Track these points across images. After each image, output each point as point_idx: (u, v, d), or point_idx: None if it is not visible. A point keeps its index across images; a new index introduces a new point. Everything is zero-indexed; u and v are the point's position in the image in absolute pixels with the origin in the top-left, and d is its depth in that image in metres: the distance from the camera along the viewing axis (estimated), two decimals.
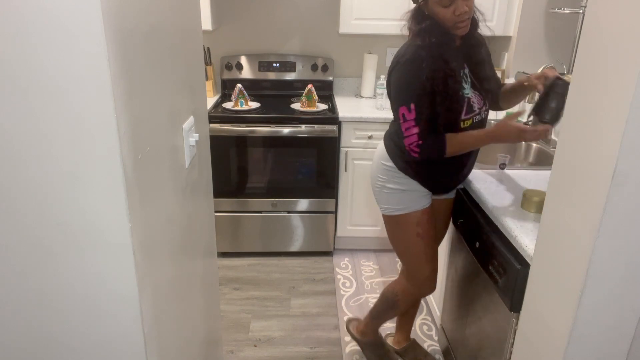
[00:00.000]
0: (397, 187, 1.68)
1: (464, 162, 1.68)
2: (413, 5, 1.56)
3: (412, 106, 1.51)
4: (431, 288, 1.82)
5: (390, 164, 1.67)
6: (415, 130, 1.52)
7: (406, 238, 1.74)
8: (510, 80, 2.87)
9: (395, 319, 2.17)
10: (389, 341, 2.20)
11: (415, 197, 1.68)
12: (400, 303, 1.89)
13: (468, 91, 1.56)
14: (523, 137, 1.48)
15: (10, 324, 0.89)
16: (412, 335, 2.17)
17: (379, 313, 1.99)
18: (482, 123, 1.64)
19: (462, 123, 1.55)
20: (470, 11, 1.47)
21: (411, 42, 1.55)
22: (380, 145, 1.75)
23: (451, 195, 1.83)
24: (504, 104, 1.75)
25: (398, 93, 1.55)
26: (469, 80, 1.57)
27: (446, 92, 1.49)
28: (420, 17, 1.52)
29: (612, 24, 0.86)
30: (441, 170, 1.67)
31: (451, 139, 1.54)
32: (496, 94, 1.72)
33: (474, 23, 1.55)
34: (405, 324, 2.12)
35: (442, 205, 1.83)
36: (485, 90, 1.63)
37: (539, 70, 2.07)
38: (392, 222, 1.75)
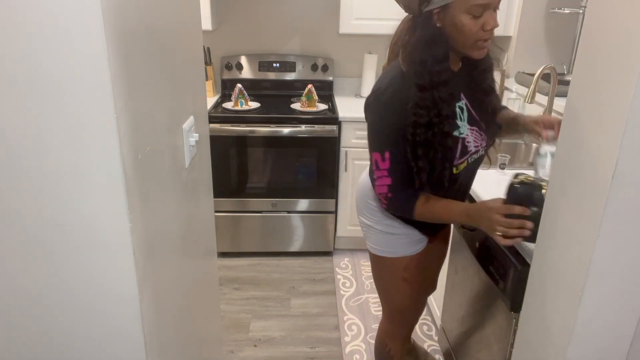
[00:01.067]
0: (387, 230, 1.46)
1: (464, 197, 1.51)
2: (406, 15, 1.29)
3: (387, 155, 1.27)
4: (413, 327, 1.70)
5: (375, 203, 1.46)
6: (387, 181, 1.29)
7: (392, 281, 1.55)
8: (510, 80, 2.87)
9: None
10: None
11: (407, 242, 1.46)
12: (392, 353, 1.68)
13: (463, 130, 1.31)
14: (493, 234, 1.21)
15: (9, 324, 0.88)
16: (412, 335, 2.17)
17: None
18: (479, 161, 1.42)
19: (454, 169, 1.31)
20: (493, 31, 1.19)
21: (394, 69, 1.25)
22: (365, 179, 1.49)
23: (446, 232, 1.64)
24: (506, 134, 1.52)
25: (373, 136, 1.31)
26: (466, 114, 1.31)
27: (433, 140, 1.23)
28: (423, 32, 1.20)
29: (612, 24, 0.86)
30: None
31: (423, 205, 1.31)
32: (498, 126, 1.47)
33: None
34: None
35: (438, 247, 1.59)
36: (486, 123, 1.37)
37: (538, 71, 2.07)
38: (377, 261, 1.57)
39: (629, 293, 0.97)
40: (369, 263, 2.89)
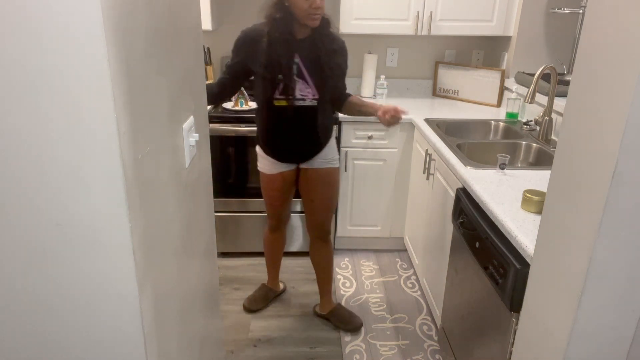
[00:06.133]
0: (259, 152, 2.14)
1: (297, 137, 2.04)
2: None
3: (229, 60, 2.02)
4: (272, 225, 2.35)
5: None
6: (221, 73, 2.07)
7: (263, 194, 2.25)
8: (510, 80, 2.87)
9: (318, 284, 2.43)
10: (317, 309, 2.45)
11: (263, 164, 2.14)
12: (264, 236, 2.44)
13: (288, 79, 1.90)
14: None
15: (9, 324, 0.89)
16: (411, 335, 2.18)
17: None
18: (306, 110, 1.98)
19: (274, 101, 1.94)
20: (323, 8, 1.80)
21: (261, 25, 1.88)
22: None
23: (317, 165, 2.12)
24: (346, 111, 2.13)
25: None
26: (295, 68, 1.91)
27: (261, 74, 1.91)
28: (279, 7, 1.82)
29: (612, 24, 0.86)
30: (275, 141, 2.07)
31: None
32: (339, 94, 2.08)
33: (325, 23, 1.88)
34: (324, 287, 2.39)
35: (312, 175, 2.14)
36: (314, 82, 1.94)
37: (538, 71, 2.08)
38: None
39: (629, 293, 0.97)
40: (369, 263, 2.90)
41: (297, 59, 1.91)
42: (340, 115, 2.67)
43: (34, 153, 0.76)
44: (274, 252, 2.47)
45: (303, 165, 2.14)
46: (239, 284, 2.69)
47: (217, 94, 2.06)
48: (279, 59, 1.87)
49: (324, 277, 2.37)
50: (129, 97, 0.78)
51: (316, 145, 2.09)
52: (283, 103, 1.95)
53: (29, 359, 0.92)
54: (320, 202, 2.20)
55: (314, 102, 1.98)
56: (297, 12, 1.79)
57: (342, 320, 2.35)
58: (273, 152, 2.09)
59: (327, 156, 2.13)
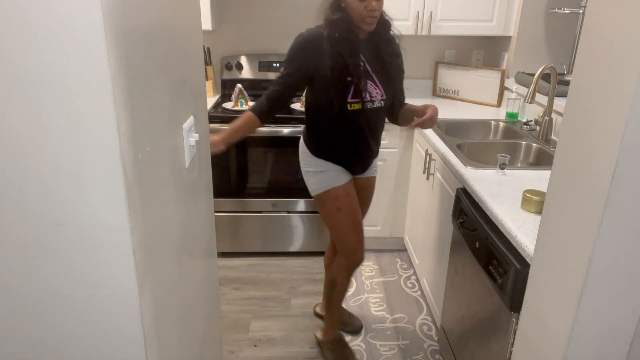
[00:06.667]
0: (318, 169, 1.91)
1: (367, 142, 1.90)
2: None
3: (281, 69, 1.84)
4: (359, 257, 2.01)
5: (307, 150, 1.93)
6: (272, 86, 1.85)
7: (330, 213, 1.94)
8: (510, 81, 2.87)
9: (325, 286, 2.31)
10: (317, 309, 2.43)
11: (333, 176, 1.90)
12: (337, 278, 2.05)
13: (358, 80, 1.76)
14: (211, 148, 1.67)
15: (9, 324, 0.88)
16: (411, 335, 2.18)
17: (328, 302, 2.15)
18: (379, 112, 1.87)
19: (349, 105, 1.78)
20: (379, 10, 1.70)
21: (318, 28, 1.76)
22: (305, 135, 1.99)
23: (369, 174, 2.03)
24: (401, 119, 2.00)
25: (287, 54, 1.82)
26: (364, 70, 1.79)
27: (330, 78, 1.74)
28: (335, 8, 1.72)
29: (612, 24, 0.86)
30: (346, 148, 1.89)
31: (248, 113, 1.87)
32: (398, 104, 1.97)
33: (384, 23, 1.79)
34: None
35: (363, 184, 2.03)
36: (381, 83, 1.84)
37: (538, 71, 2.08)
38: (318, 200, 1.95)
39: (629, 293, 0.97)
40: (369, 263, 2.90)
41: (362, 61, 1.79)
42: None
43: (34, 153, 0.76)
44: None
45: (357, 175, 2.00)
46: (239, 284, 2.69)
47: (270, 110, 1.87)
48: (345, 59, 1.73)
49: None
50: (129, 97, 0.78)
51: (377, 150, 1.99)
52: (357, 106, 1.80)
53: (29, 358, 0.92)
54: (362, 214, 2.07)
55: (382, 103, 1.86)
56: (353, 14, 1.70)
57: (342, 321, 2.35)
58: (343, 159, 1.91)
59: (376, 163, 2.06)
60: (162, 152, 0.97)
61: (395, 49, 1.87)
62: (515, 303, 1.33)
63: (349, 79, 1.75)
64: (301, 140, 1.99)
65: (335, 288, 2.08)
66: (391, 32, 1.84)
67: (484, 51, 3.21)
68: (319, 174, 1.91)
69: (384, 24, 1.79)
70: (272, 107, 1.86)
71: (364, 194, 2.05)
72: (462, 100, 3.13)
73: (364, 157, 1.95)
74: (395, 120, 2.03)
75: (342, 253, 2.01)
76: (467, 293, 1.77)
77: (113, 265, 0.84)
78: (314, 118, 1.91)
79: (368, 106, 1.81)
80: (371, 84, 1.81)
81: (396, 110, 1.98)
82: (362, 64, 1.78)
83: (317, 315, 2.43)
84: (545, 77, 2.34)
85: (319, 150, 1.90)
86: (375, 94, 1.82)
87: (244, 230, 2.87)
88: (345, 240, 1.97)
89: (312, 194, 1.96)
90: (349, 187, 1.93)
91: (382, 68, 1.83)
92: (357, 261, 2.02)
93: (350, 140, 1.87)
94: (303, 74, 1.79)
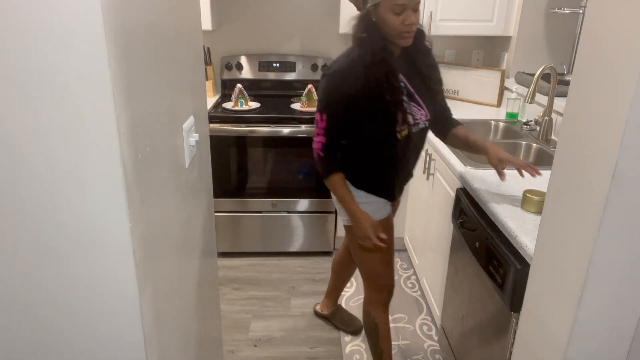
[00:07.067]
0: (356, 200, 1.66)
1: (410, 167, 1.76)
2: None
3: (325, 117, 1.55)
4: (391, 292, 1.85)
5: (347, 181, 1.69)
6: (321, 139, 1.58)
7: (365, 247, 1.72)
8: (510, 81, 2.87)
9: (329, 286, 2.36)
10: (317, 308, 2.42)
11: (373, 209, 1.68)
12: (376, 317, 1.85)
13: (402, 104, 1.56)
14: (357, 239, 1.67)
15: (9, 323, 0.88)
16: (411, 335, 2.18)
17: (374, 346, 1.92)
18: (423, 133, 1.69)
19: (397, 134, 1.58)
20: (417, 24, 1.49)
21: (351, 52, 1.54)
22: None
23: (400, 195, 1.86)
24: (450, 142, 1.83)
25: (320, 98, 1.58)
26: (405, 91, 1.57)
27: (375, 109, 1.53)
28: (365, 24, 1.50)
29: (612, 24, 0.86)
30: (394, 179, 1.71)
31: (338, 180, 1.63)
32: (443, 118, 1.79)
33: (418, 33, 1.57)
34: (334, 292, 2.36)
35: (394, 206, 1.85)
36: (425, 102, 1.64)
37: (538, 71, 2.07)
38: (351, 231, 1.72)
39: (629, 293, 0.97)
40: None
41: (402, 81, 1.57)
42: None
43: (34, 153, 0.76)
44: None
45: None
46: (239, 284, 2.69)
47: (341, 168, 1.65)
48: (384, 84, 1.50)
49: (339, 285, 2.34)
50: (129, 97, 0.78)
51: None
52: (405, 133, 1.59)
53: (29, 358, 0.92)
54: None
55: (426, 124, 1.67)
56: (388, 30, 1.47)
57: (342, 322, 2.35)
58: (388, 191, 1.71)
59: None
60: (162, 152, 0.97)
61: (432, 60, 1.68)
62: (515, 303, 1.33)
63: (393, 107, 1.54)
64: None
65: (379, 330, 1.86)
66: (426, 43, 1.64)
67: (484, 51, 3.21)
68: (359, 205, 1.67)
69: (418, 34, 1.58)
70: (339, 163, 1.64)
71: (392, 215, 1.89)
72: (462, 100, 3.13)
73: (406, 182, 1.81)
74: (444, 139, 1.84)
75: (375, 289, 1.83)
76: (467, 293, 1.77)
77: (113, 265, 0.84)
78: (355, 152, 1.64)
79: (414, 130, 1.62)
80: (414, 105, 1.61)
81: (443, 126, 1.80)
82: (403, 83, 1.57)
83: (317, 315, 2.43)
84: (545, 77, 2.34)
85: (361, 182, 1.67)
86: (420, 116, 1.63)
87: (244, 230, 2.87)
88: (380, 276, 1.80)
89: (346, 223, 1.75)
90: (390, 221, 1.76)
91: (422, 84, 1.63)
92: (391, 293, 1.86)
93: (396, 169, 1.69)
94: (352, 114, 1.55)
